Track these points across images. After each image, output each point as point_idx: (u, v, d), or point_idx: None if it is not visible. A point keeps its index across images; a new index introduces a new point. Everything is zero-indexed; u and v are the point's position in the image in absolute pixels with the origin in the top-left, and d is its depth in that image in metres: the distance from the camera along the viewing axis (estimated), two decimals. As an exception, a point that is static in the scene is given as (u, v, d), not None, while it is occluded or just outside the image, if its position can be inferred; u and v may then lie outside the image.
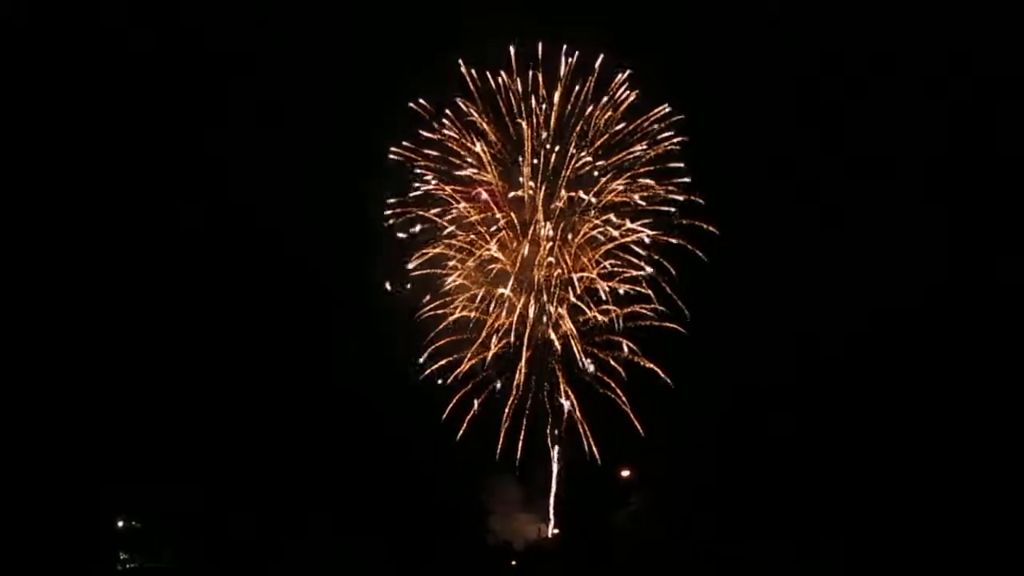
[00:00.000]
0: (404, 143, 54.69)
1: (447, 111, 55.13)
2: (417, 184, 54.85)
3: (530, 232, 55.14)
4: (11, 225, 41.36)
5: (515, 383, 54.15)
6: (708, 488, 45.41)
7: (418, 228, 54.73)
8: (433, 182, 55.11)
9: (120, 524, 34.54)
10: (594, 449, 53.88)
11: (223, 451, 43.06)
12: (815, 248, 45.67)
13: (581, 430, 54.69)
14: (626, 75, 54.56)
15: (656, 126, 54.72)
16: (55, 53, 46.32)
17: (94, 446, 33.99)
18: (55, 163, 44.83)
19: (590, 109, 54.70)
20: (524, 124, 54.61)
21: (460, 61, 54.45)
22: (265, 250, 49.82)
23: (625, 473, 54.49)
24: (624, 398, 52.99)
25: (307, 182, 52.29)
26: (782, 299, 44.32)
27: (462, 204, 55.00)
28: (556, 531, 57.64)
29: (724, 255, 50.06)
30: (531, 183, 54.97)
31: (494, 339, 54.78)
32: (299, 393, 49.16)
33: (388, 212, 54.33)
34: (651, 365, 52.23)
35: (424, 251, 54.85)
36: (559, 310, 54.85)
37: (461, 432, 53.14)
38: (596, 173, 55.12)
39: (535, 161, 55.15)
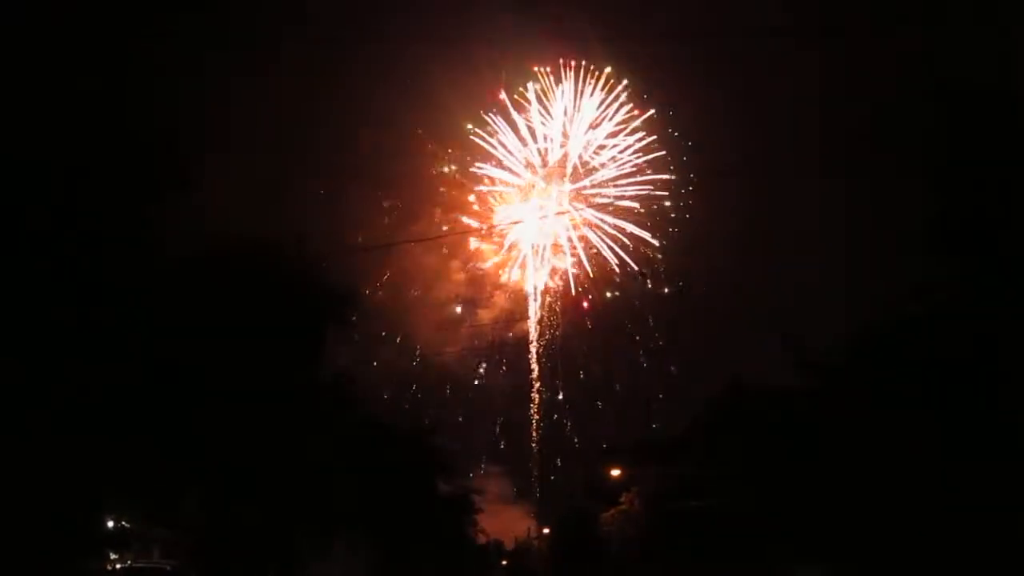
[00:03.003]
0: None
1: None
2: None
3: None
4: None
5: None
6: (700, 487, 45.23)
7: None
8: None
9: (110, 524, 34.01)
10: (584, 448, 54.04)
11: (212, 448, 42.50)
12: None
13: (572, 428, 54.82)
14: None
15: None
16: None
17: (84, 447, 33.33)
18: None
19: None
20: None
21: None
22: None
23: (616, 472, 54.40)
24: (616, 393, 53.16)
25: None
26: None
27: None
28: (546, 530, 57.64)
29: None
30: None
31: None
32: (287, 390, 48.76)
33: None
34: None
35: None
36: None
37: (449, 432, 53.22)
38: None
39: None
